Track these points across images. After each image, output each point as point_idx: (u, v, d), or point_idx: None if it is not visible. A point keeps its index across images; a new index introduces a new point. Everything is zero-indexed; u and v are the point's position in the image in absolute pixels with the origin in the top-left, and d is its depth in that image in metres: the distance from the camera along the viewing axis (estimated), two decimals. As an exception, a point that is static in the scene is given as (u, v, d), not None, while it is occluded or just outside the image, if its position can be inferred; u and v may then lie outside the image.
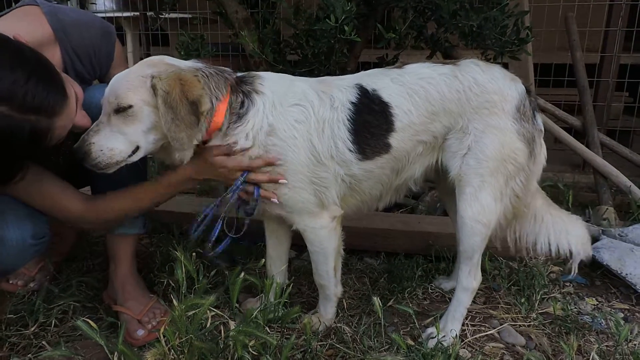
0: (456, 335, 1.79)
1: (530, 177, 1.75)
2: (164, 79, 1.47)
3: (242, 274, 1.51)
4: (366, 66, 2.96)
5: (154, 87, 1.46)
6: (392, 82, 1.70)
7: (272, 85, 1.64)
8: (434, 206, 3.06)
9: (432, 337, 1.73)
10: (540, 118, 1.79)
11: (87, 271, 2.28)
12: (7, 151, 1.34)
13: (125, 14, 4.15)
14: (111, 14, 4.13)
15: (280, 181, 1.59)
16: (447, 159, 1.74)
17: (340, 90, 1.68)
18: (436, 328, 1.64)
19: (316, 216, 1.68)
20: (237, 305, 1.71)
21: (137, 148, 1.53)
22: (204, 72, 1.57)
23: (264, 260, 1.88)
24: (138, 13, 4.17)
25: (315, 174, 1.63)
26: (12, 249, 1.55)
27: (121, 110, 1.47)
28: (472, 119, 1.68)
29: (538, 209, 1.89)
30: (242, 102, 1.59)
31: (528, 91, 1.76)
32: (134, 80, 1.49)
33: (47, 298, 1.97)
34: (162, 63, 1.54)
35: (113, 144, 1.48)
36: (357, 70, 2.80)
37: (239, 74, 1.67)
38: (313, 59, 2.49)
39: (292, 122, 1.60)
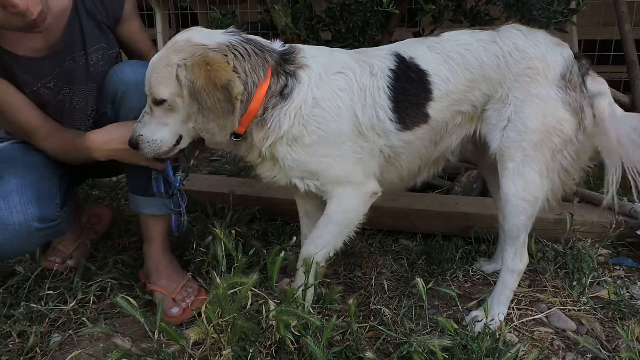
0: (503, 319, 1.71)
1: (580, 149, 1.63)
2: (188, 66, 1.39)
3: (282, 253, 1.46)
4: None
5: (177, 78, 1.40)
6: (429, 50, 1.61)
7: (316, 56, 1.57)
8: (470, 187, 2.96)
9: (478, 321, 1.66)
10: (596, 81, 1.63)
11: (123, 249, 2.29)
12: None
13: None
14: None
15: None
16: (486, 131, 1.65)
17: (378, 58, 1.61)
18: (484, 310, 1.57)
19: (353, 188, 1.61)
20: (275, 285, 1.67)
21: (181, 137, 1.53)
22: (237, 50, 1.45)
23: (295, 238, 1.83)
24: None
25: (357, 144, 1.57)
26: (16, 233, 1.51)
27: (158, 102, 1.46)
28: (512, 87, 1.59)
29: None
30: (285, 85, 1.50)
31: (576, 57, 1.64)
32: (162, 71, 1.43)
33: (84, 275, 1.97)
34: (188, 46, 1.43)
35: (158, 136, 1.50)
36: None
37: (280, 49, 1.57)
38: (347, 34, 2.41)
39: (336, 90, 1.53)
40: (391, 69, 1.58)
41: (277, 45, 1.58)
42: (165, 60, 1.44)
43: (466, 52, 1.59)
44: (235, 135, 1.52)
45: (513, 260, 1.73)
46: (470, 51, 1.59)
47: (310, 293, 1.65)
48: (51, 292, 1.84)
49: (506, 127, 1.61)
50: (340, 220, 1.63)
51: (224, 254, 1.40)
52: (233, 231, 1.53)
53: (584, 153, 1.65)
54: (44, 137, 1.71)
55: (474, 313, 1.76)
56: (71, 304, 1.81)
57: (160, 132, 1.50)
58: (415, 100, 1.59)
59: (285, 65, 1.53)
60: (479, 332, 1.55)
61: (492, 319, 1.67)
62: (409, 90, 1.58)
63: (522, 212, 1.64)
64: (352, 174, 1.60)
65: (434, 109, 1.60)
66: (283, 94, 1.51)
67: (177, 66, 1.41)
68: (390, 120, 1.58)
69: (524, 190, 1.61)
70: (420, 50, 1.62)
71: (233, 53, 1.45)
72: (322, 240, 1.64)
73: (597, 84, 1.64)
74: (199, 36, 1.47)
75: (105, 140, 1.62)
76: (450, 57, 1.59)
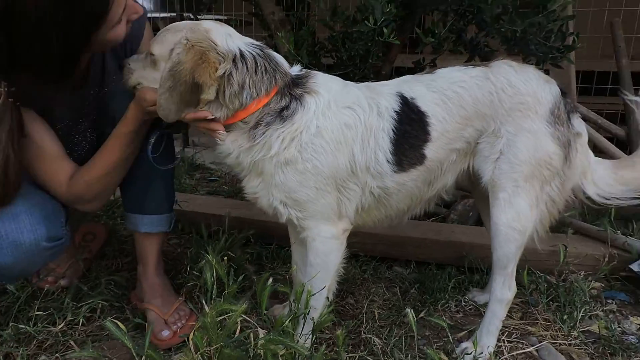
0: (492, 351, 1.71)
1: (565, 182, 1.69)
2: (187, 48, 1.42)
3: (270, 280, 1.46)
4: (400, 71, 2.92)
5: (172, 51, 1.44)
6: (427, 89, 1.64)
7: (329, 85, 1.59)
8: (466, 215, 2.97)
9: (468, 353, 1.65)
10: (577, 120, 1.71)
11: (116, 270, 2.29)
12: (72, 16, 1.35)
13: (162, 15, 4.19)
14: (148, 15, 4.17)
15: (218, 131, 1.52)
16: (479, 163, 1.68)
17: (385, 98, 1.62)
18: (473, 343, 1.56)
19: (331, 225, 1.62)
20: (265, 312, 1.67)
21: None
22: (246, 62, 1.47)
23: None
24: (175, 14, 4.19)
25: (345, 183, 1.58)
26: (26, 252, 1.54)
27: (151, 54, 1.53)
28: (505, 121, 1.63)
29: None
30: (286, 106, 1.51)
31: (563, 93, 1.70)
32: (168, 36, 1.49)
33: (75, 296, 1.97)
34: (203, 35, 1.45)
35: (137, 73, 1.58)
36: (391, 75, 2.77)
37: (296, 74, 1.59)
38: (348, 62, 2.45)
39: (342, 125, 1.54)
40: (396, 111, 1.60)
41: (295, 69, 1.61)
42: (179, 31, 1.48)
43: (461, 90, 1.62)
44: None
45: (502, 290, 1.74)
46: (465, 89, 1.62)
47: (308, 325, 1.64)
48: (41, 312, 1.83)
49: (498, 159, 1.63)
50: (324, 265, 1.64)
51: (214, 280, 1.41)
52: (225, 257, 1.53)
53: (569, 185, 1.71)
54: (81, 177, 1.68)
55: (464, 345, 1.75)
56: (60, 326, 1.80)
57: (138, 71, 1.58)
58: (414, 143, 1.61)
59: (293, 88, 1.54)
60: (469, 365, 1.54)
61: (482, 352, 1.67)
62: (410, 133, 1.60)
63: (512, 241, 1.67)
64: (334, 211, 1.60)
65: (431, 149, 1.62)
66: (282, 115, 1.50)
67: (179, 41, 1.44)
68: (388, 162, 1.59)
69: (515, 220, 1.64)
70: (419, 89, 1.64)
71: (237, 63, 1.46)
72: (317, 288, 1.63)
73: (579, 122, 1.71)
74: (220, 34, 1.49)
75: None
76: (446, 96, 1.62)
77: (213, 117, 1.49)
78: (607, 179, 1.75)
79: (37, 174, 1.65)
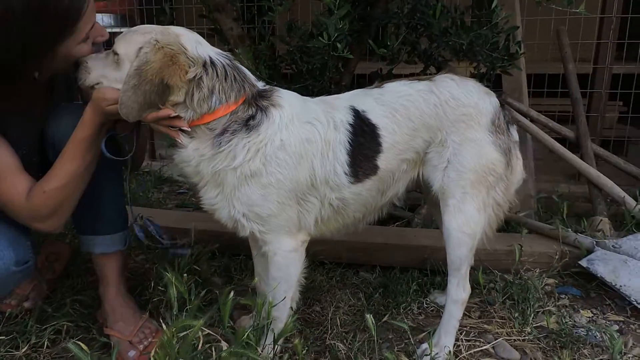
0: (450, 350, 1.78)
1: (509, 186, 1.81)
2: (156, 48, 1.43)
3: (232, 293, 1.50)
4: (362, 79, 3.00)
5: (140, 49, 1.45)
6: (376, 103, 1.72)
7: (291, 100, 1.64)
8: (429, 219, 3.06)
9: (427, 354, 1.72)
10: (514, 130, 1.84)
11: (82, 289, 2.27)
12: (39, 19, 1.32)
13: (124, 30, 4.17)
14: (109, 30, 4.15)
15: (180, 135, 1.53)
16: (428, 172, 1.78)
17: (339, 111, 1.68)
18: (429, 344, 1.64)
19: (291, 237, 1.67)
20: (231, 323, 1.70)
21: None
22: (216, 69, 1.50)
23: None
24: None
25: (305, 196, 1.63)
26: None
27: (114, 52, 1.52)
28: (450, 132, 1.72)
29: None
30: (253, 116, 1.54)
31: (502, 104, 1.82)
32: (136, 36, 1.49)
33: (40, 318, 1.96)
34: (173, 39, 1.47)
35: (95, 72, 1.55)
36: (352, 84, 2.84)
37: (262, 88, 1.64)
38: (307, 75, 2.51)
39: (304, 140, 1.59)
40: (350, 123, 1.66)
41: (260, 84, 1.66)
42: (148, 33, 1.49)
43: (408, 103, 1.70)
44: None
45: (456, 291, 1.83)
46: (412, 102, 1.70)
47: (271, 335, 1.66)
48: (3, 337, 1.82)
49: (446, 168, 1.73)
50: (285, 277, 1.69)
51: (175, 297, 1.44)
52: (186, 275, 1.56)
53: (512, 188, 1.83)
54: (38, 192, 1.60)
55: (424, 346, 1.83)
56: (24, 349, 1.79)
57: (97, 70, 1.55)
58: (368, 154, 1.67)
59: (259, 100, 1.58)
60: (427, 365, 1.61)
61: (440, 351, 1.74)
62: (364, 144, 1.67)
63: (464, 244, 1.76)
64: (294, 224, 1.65)
65: (383, 160, 1.69)
66: (248, 125, 1.54)
67: (148, 41, 1.45)
68: (345, 174, 1.65)
69: (464, 224, 1.74)
70: (368, 103, 1.71)
71: (207, 69, 1.49)
72: (279, 300, 1.68)
73: (515, 131, 1.84)
74: (189, 40, 1.51)
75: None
76: (394, 109, 1.69)
77: (176, 114, 1.50)
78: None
79: None
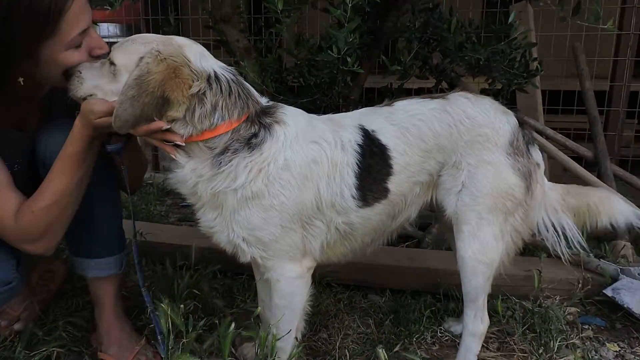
0: (469, 387, 1.66)
1: (528, 211, 1.69)
2: (158, 59, 1.33)
3: (233, 325, 1.38)
4: (371, 93, 2.91)
5: (141, 59, 1.34)
6: (387, 122, 1.62)
7: (296, 117, 1.54)
8: (441, 238, 2.94)
9: (443, 391, 1.60)
10: (536, 151, 1.72)
11: (76, 310, 2.16)
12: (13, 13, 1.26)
13: (126, 40, 4.14)
14: (115, 39, 4.11)
15: (175, 149, 1.43)
16: (441, 196, 1.68)
17: (347, 130, 1.58)
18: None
19: (296, 263, 1.56)
20: (233, 351, 1.60)
21: None
22: (220, 84, 1.41)
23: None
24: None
25: (311, 220, 1.53)
26: None
27: (111, 63, 1.41)
28: (465, 154, 1.62)
29: None
30: (255, 134, 1.45)
31: (521, 124, 1.71)
32: (135, 46, 1.39)
33: (30, 342, 1.85)
34: (177, 50, 1.38)
35: (88, 82, 1.45)
36: (361, 98, 2.76)
37: (265, 104, 1.54)
38: (315, 89, 2.43)
39: (310, 160, 1.49)
40: (359, 144, 1.56)
41: (264, 100, 1.56)
42: (149, 42, 1.39)
43: (420, 123, 1.61)
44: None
45: (474, 323, 1.72)
46: (424, 121, 1.61)
47: None
48: (-11, 364, 1.71)
49: (461, 192, 1.63)
50: (289, 306, 1.59)
51: (170, 329, 1.32)
52: (183, 305, 1.43)
53: (532, 215, 1.71)
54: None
55: (439, 381, 1.70)
56: (10, 378, 1.69)
57: (91, 80, 1.44)
58: (378, 177, 1.58)
59: (262, 117, 1.49)
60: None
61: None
62: (373, 167, 1.57)
63: (480, 274, 1.65)
64: (299, 249, 1.55)
65: (394, 183, 1.60)
66: (250, 143, 1.44)
67: (149, 52, 1.35)
68: (353, 197, 1.55)
69: (481, 253, 1.63)
70: (378, 122, 1.62)
71: (211, 84, 1.40)
72: (284, 330, 1.59)
73: (537, 152, 1.72)
74: (193, 52, 1.42)
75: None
76: (405, 129, 1.60)
77: (168, 127, 1.39)
78: (554, 203, 1.75)
79: None
